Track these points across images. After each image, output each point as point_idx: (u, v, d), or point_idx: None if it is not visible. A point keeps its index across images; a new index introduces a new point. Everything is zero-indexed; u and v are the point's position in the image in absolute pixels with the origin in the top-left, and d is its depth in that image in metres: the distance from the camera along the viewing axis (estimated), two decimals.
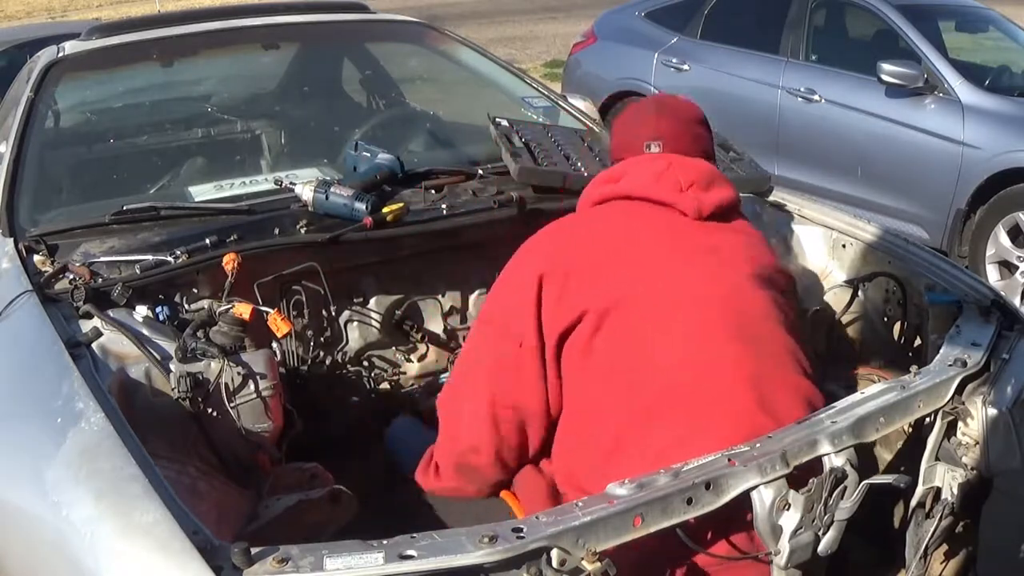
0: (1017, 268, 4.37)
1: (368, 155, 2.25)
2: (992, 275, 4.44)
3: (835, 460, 1.36)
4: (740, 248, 1.64)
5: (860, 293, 2.03)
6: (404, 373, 2.18)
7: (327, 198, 2.02)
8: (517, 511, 1.57)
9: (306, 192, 2.04)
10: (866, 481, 1.37)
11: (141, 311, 1.69)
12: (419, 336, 2.18)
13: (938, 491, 1.56)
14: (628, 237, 1.61)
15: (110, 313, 1.63)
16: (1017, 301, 4.20)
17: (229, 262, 1.77)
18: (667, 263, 1.57)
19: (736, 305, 1.55)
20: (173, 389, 1.50)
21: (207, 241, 1.87)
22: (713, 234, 1.63)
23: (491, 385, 1.56)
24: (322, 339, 2.07)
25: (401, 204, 2.06)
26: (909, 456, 1.67)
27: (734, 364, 1.48)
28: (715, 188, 1.67)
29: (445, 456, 1.63)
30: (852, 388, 1.88)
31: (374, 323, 2.13)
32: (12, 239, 1.92)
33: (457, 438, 1.61)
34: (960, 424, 1.59)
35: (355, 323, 2.12)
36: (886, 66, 4.64)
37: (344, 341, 2.11)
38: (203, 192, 2.23)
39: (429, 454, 1.67)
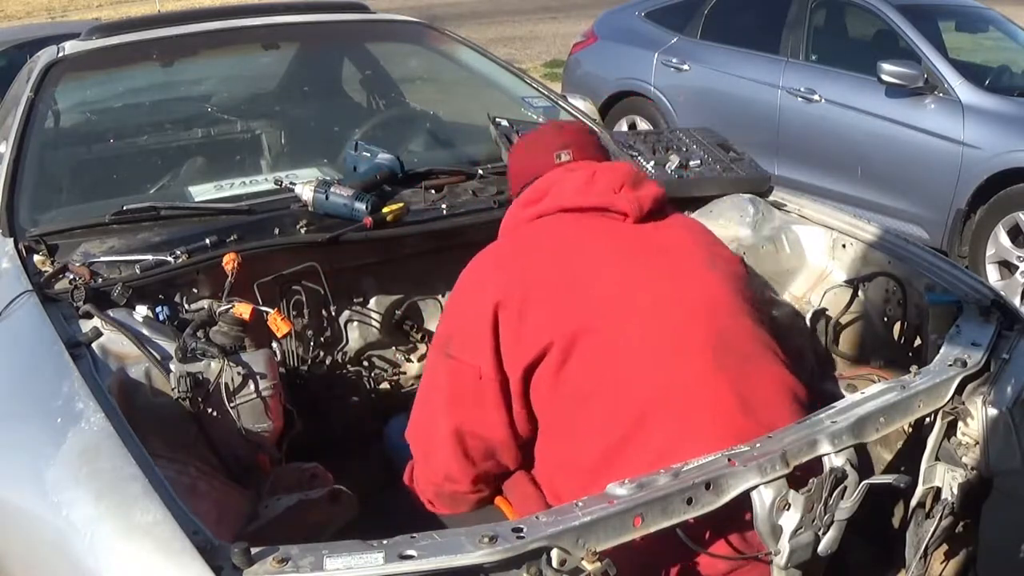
0: (1017, 268, 4.37)
1: (368, 155, 2.25)
2: (992, 275, 4.44)
3: (835, 460, 1.36)
4: (689, 242, 1.64)
5: (860, 293, 2.03)
6: (404, 373, 2.18)
7: (327, 198, 2.02)
8: (510, 517, 1.56)
9: (306, 192, 2.04)
10: (866, 481, 1.37)
11: (141, 311, 1.69)
12: (419, 336, 2.18)
13: (938, 491, 1.56)
14: (577, 253, 1.57)
15: (110, 313, 1.63)
16: (1017, 301, 4.20)
17: (229, 262, 1.77)
18: (623, 275, 1.54)
19: (702, 304, 1.54)
20: (173, 389, 1.50)
21: (207, 241, 1.87)
22: (658, 233, 1.61)
23: (453, 417, 1.53)
24: (322, 339, 2.07)
25: (401, 204, 2.06)
26: (909, 456, 1.67)
27: (711, 369, 1.47)
28: (644, 185, 1.66)
29: (423, 485, 1.61)
30: (852, 388, 1.88)
31: (374, 323, 2.13)
32: (12, 239, 1.92)
33: (431, 469, 1.58)
34: (960, 424, 1.59)
35: (355, 323, 2.12)
36: (886, 66, 4.64)
37: (344, 341, 2.11)
38: (203, 192, 2.23)
39: (410, 468, 1.65)
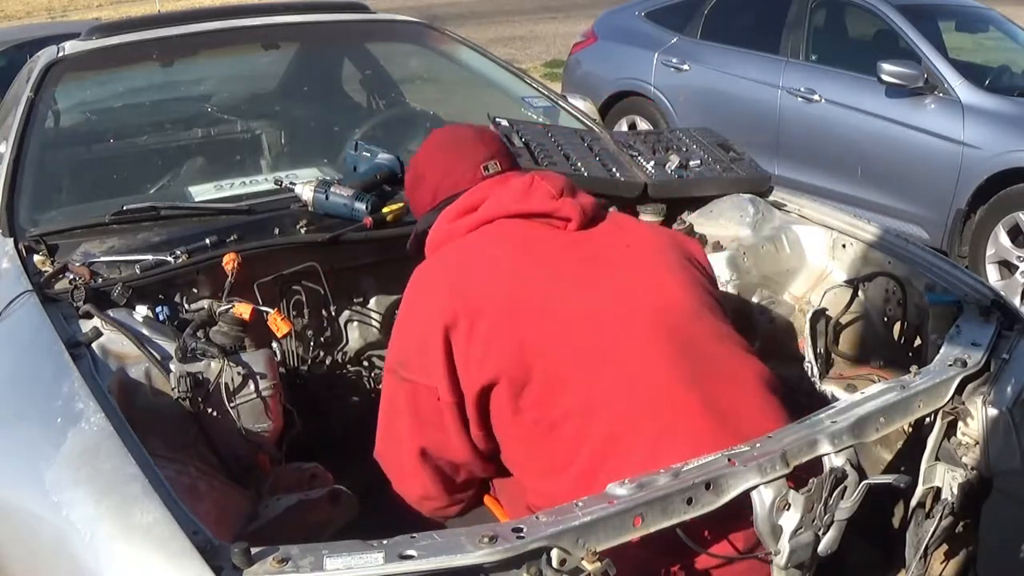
0: (1017, 268, 4.37)
1: (368, 155, 2.25)
2: (992, 275, 4.44)
3: (835, 460, 1.36)
4: (637, 246, 1.59)
5: (860, 293, 2.03)
6: None
7: (327, 198, 2.02)
8: (500, 517, 1.56)
9: (306, 192, 2.04)
10: (866, 481, 1.37)
11: (141, 311, 1.69)
12: None
13: (938, 491, 1.56)
14: (524, 264, 1.51)
15: (110, 313, 1.63)
16: (1017, 301, 4.20)
17: (229, 262, 1.77)
18: (574, 287, 1.49)
19: (661, 310, 1.49)
20: (173, 389, 1.50)
21: (207, 241, 1.87)
22: (602, 239, 1.57)
23: (417, 438, 1.50)
24: (322, 339, 2.07)
25: (401, 204, 2.05)
26: (909, 456, 1.67)
27: (678, 379, 1.42)
28: (579, 193, 1.62)
29: (406, 496, 1.58)
30: (852, 388, 1.88)
31: (374, 323, 2.13)
32: (12, 239, 1.92)
33: (406, 490, 1.57)
34: (960, 424, 1.59)
35: (355, 323, 2.12)
36: (886, 66, 4.64)
37: (344, 341, 2.11)
38: (203, 192, 2.23)
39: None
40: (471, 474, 1.55)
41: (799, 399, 1.88)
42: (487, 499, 1.60)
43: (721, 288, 1.95)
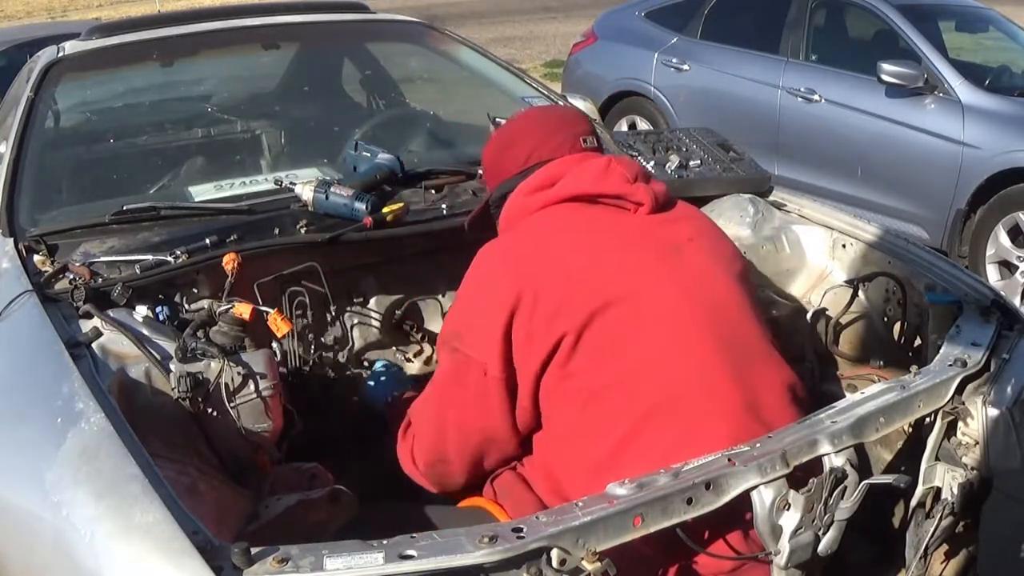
0: (1017, 268, 4.37)
1: (368, 155, 2.25)
2: (992, 275, 4.44)
3: (835, 460, 1.36)
4: (700, 239, 1.62)
5: (860, 293, 2.03)
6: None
7: (327, 198, 2.02)
8: (499, 518, 1.56)
9: (306, 192, 2.04)
10: (866, 481, 1.37)
11: (141, 311, 1.69)
12: (419, 336, 2.18)
13: (938, 491, 1.56)
14: (592, 241, 1.55)
15: (110, 313, 1.63)
16: (1017, 301, 4.20)
17: (229, 262, 1.77)
18: (637, 267, 1.53)
19: (713, 302, 1.54)
20: (173, 389, 1.50)
21: (207, 241, 1.86)
22: (669, 227, 1.60)
23: (456, 408, 1.54)
24: (322, 339, 2.07)
25: (401, 204, 2.05)
26: (909, 456, 1.67)
27: (720, 369, 1.47)
28: (652, 180, 1.67)
29: (418, 457, 1.63)
30: (852, 388, 1.88)
31: (374, 323, 2.13)
32: (12, 239, 1.92)
33: (428, 449, 1.60)
34: (960, 424, 1.59)
35: (355, 323, 2.12)
36: (886, 66, 4.64)
37: (344, 341, 2.11)
38: (203, 192, 2.23)
39: (407, 422, 1.66)
40: (495, 453, 1.57)
41: None
42: (483, 502, 1.60)
43: None
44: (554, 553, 1.13)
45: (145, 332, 1.61)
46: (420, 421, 1.63)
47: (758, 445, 1.34)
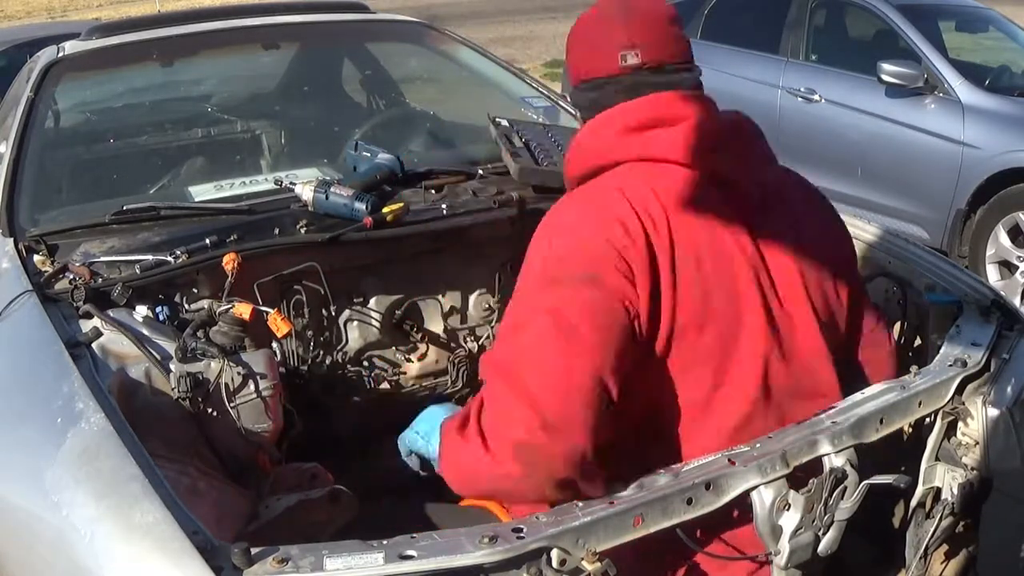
0: (1017, 268, 4.37)
1: (368, 155, 2.25)
2: (992, 275, 4.45)
3: (835, 460, 1.36)
4: (808, 225, 1.56)
5: None
6: (404, 373, 2.18)
7: (327, 198, 2.02)
8: (503, 518, 1.55)
9: (306, 192, 2.04)
10: (866, 481, 1.37)
11: (141, 311, 1.69)
12: (419, 336, 2.18)
13: (938, 491, 1.56)
14: (707, 227, 1.36)
15: (110, 313, 1.63)
16: (1017, 301, 4.20)
17: (229, 262, 1.76)
18: (738, 254, 1.39)
19: (815, 288, 1.47)
20: (173, 389, 1.50)
21: (207, 241, 1.86)
22: (778, 204, 1.54)
23: (599, 350, 1.22)
24: (322, 339, 2.07)
25: (401, 204, 2.05)
26: (909, 456, 1.67)
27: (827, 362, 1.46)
28: (765, 168, 1.55)
29: (509, 429, 1.20)
30: None
31: (374, 323, 2.13)
32: (12, 239, 1.92)
33: (535, 413, 1.18)
34: (960, 424, 1.59)
35: (355, 323, 2.12)
36: (886, 66, 4.64)
37: (344, 341, 2.11)
38: (203, 192, 2.23)
39: (463, 416, 1.28)
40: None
41: None
42: (497, 508, 1.59)
43: None
44: (554, 553, 1.13)
45: (145, 332, 1.61)
46: (529, 376, 1.22)
47: (758, 445, 1.34)
